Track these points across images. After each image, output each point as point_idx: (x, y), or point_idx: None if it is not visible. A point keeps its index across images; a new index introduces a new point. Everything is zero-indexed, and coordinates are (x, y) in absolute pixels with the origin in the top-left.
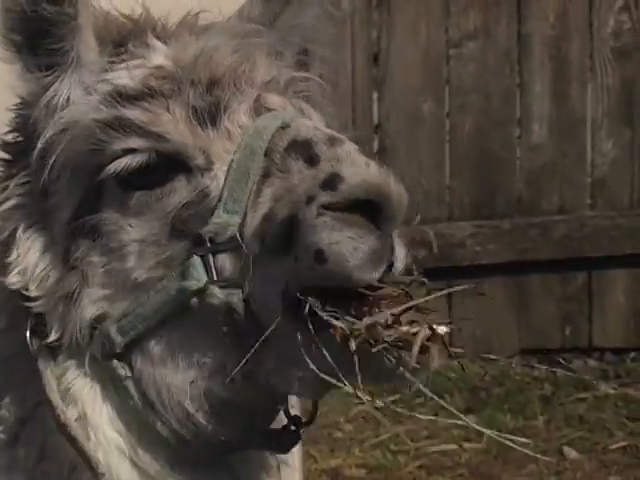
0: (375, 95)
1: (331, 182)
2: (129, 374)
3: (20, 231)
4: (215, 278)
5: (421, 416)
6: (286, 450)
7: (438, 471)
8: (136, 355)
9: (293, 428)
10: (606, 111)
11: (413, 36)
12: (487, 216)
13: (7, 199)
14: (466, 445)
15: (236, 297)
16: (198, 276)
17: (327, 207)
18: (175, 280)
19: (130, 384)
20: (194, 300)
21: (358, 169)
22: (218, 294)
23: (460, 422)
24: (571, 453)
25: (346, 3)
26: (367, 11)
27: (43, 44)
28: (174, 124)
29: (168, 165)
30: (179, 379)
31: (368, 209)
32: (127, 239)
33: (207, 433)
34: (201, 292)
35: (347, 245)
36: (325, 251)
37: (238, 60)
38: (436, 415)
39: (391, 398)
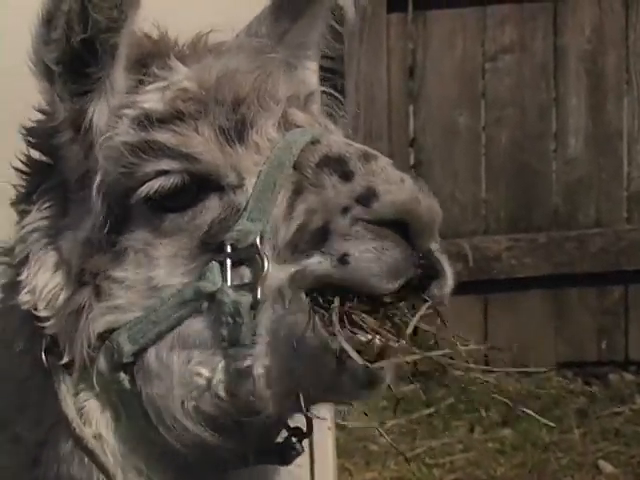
0: (411, 108)
1: (366, 198)
2: (134, 388)
3: (33, 252)
4: (230, 283)
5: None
6: (289, 462)
7: None
8: (138, 368)
9: (294, 440)
10: None
11: (449, 49)
12: (523, 229)
13: (29, 224)
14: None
15: (245, 299)
16: (214, 279)
17: (361, 220)
18: (192, 283)
19: (134, 398)
20: (205, 304)
21: (391, 187)
22: (230, 294)
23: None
24: (607, 467)
25: (381, 15)
26: (403, 24)
27: (80, 72)
28: (204, 145)
29: (200, 185)
30: (172, 393)
31: (399, 225)
32: (157, 254)
33: (205, 446)
34: (214, 295)
35: (371, 254)
36: (350, 255)
37: (260, 78)
38: (472, 429)
39: (426, 411)
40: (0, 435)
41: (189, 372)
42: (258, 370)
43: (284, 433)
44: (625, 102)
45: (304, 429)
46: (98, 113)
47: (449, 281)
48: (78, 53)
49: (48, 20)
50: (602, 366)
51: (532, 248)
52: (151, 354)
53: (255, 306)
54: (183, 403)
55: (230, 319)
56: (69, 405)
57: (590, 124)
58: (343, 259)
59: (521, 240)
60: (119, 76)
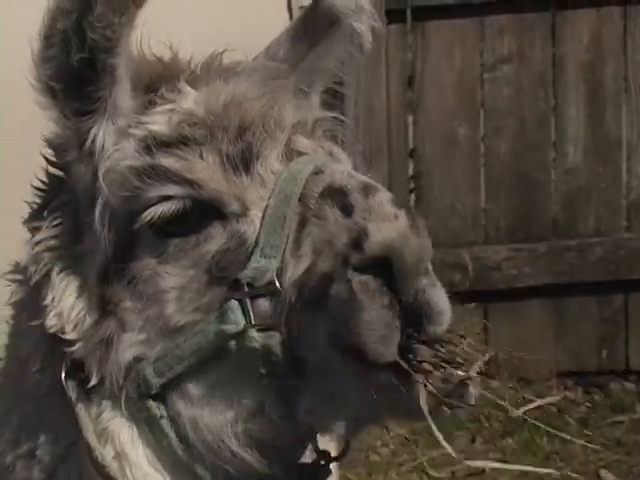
0: (410, 119)
1: (359, 241)
2: (164, 414)
3: (54, 274)
4: (253, 322)
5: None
6: None
7: None
8: (173, 396)
9: (322, 463)
10: None
11: (448, 59)
12: (523, 239)
13: (40, 242)
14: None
15: (274, 340)
16: (236, 320)
17: (356, 267)
18: (213, 323)
19: (165, 424)
20: (232, 343)
21: (383, 225)
22: (257, 337)
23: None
24: (608, 476)
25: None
26: (402, 35)
27: (83, 91)
28: (208, 172)
29: (203, 212)
30: (219, 420)
31: (387, 266)
32: (165, 286)
33: (252, 469)
34: (239, 335)
35: (367, 327)
36: (351, 326)
37: (267, 104)
38: (473, 439)
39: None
40: (14, 451)
41: (237, 399)
42: (308, 397)
43: (312, 454)
44: (624, 111)
45: (331, 453)
46: (104, 136)
47: (444, 316)
48: (77, 72)
49: (46, 37)
50: (603, 375)
51: (532, 258)
52: (190, 382)
53: (284, 343)
54: (233, 425)
55: (265, 359)
56: (90, 431)
57: (589, 133)
58: (347, 329)
59: (521, 250)
60: (123, 97)
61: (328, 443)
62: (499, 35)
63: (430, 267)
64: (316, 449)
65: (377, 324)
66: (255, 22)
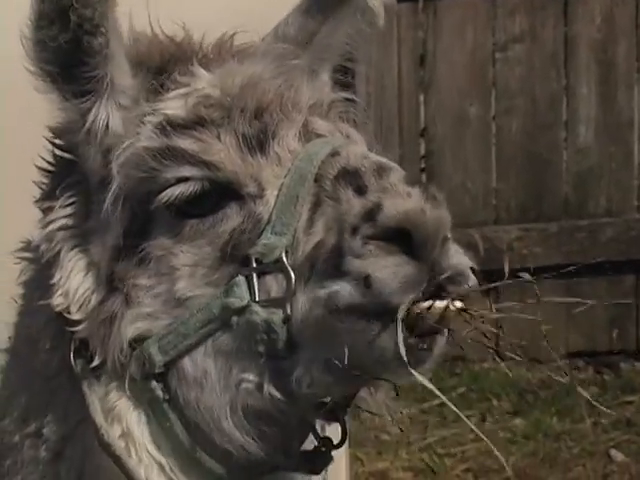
0: (422, 98)
1: (372, 214)
2: (167, 396)
3: (64, 252)
4: (258, 298)
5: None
6: (318, 472)
7: (485, 474)
8: (175, 377)
9: (324, 449)
10: None
11: (459, 39)
12: (534, 219)
13: (53, 221)
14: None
15: (277, 316)
16: (241, 294)
17: (370, 237)
18: (219, 298)
19: (167, 406)
20: (235, 319)
21: (396, 200)
22: (260, 312)
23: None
24: (618, 456)
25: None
26: (413, 14)
27: (77, 72)
28: (225, 153)
29: (220, 193)
30: (216, 399)
31: (405, 237)
32: (178, 263)
33: (247, 451)
34: (243, 311)
35: (388, 270)
36: (371, 276)
37: (283, 85)
38: (483, 419)
39: (437, 401)
40: (22, 429)
41: (234, 379)
42: (306, 374)
43: (313, 442)
44: (635, 91)
45: (332, 440)
46: (107, 115)
47: (467, 277)
48: (67, 53)
49: (34, 20)
50: (613, 355)
51: (543, 238)
52: (187, 362)
53: (286, 321)
54: (231, 405)
55: (265, 336)
56: (97, 410)
57: (600, 113)
58: (367, 282)
59: (531, 230)
60: (120, 76)
61: (330, 430)
62: (511, 14)
63: (450, 236)
64: (316, 436)
65: (398, 270)
66: (258, 4)
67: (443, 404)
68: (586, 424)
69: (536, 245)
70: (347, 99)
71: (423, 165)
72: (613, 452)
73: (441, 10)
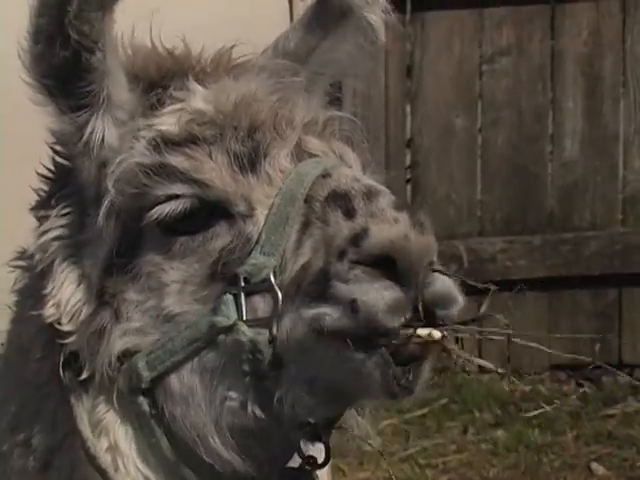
0: (408, 109)
1: (359, 239)
2: (154, 411)
3: (57, 263)
4: (245, 317)
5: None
6: None
7: None
8: (161, 393)
9: (308, 468)
10: (638, 127)
11: (446, 51)
12: (518, 232)
13: (48, 230)
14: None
15: (263, 337)
16: (228, 313)
17: (356, 262)
18: (207, 316)
19: (154, 422)
20: (221, 337)
21: (383, 226)
22: (246, 332)
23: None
24: (599, 469)
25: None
26: (401, 25)
27: (74, 87)
28: (216, 172)
29: (210, 211)
30: (202, 416)
31: (390, 263)
32: (167, 280)
33: (233, 468)
34: (229, 329)
35: (374, 294)
36: (357, 301)
37: (278, 102)
38: (465, 430)
39: (419, 412)
40: (11, 438)
41: (219, 397)
42: (289, 394)
43: (298, 460)
44: (621, 105)
45: (317, 459)
46: (103, 129)
47: (453, 301)
48: (65, 68)
49: (32, 34)
50: (595, 369)
51: (527, 250)
52: (174, 379)
53: (272, 341)
54: (217, 422)
55: (250, 355)
56: (84, 422)
57: (586, 127)
58: (353, 307)
59: (516, 242)
60: (117, 91)
61: (314, 450)
62: (498, 27)
63: (436, 262)
64: (301, 455)
65: (384, 294)
66: (254, 12)
67: (425, 415)
68: (567, 437)
69: (520, 257)
70: (344, 117)
71: (408, 176)
72: (594, 465)
73: (428, 22)
